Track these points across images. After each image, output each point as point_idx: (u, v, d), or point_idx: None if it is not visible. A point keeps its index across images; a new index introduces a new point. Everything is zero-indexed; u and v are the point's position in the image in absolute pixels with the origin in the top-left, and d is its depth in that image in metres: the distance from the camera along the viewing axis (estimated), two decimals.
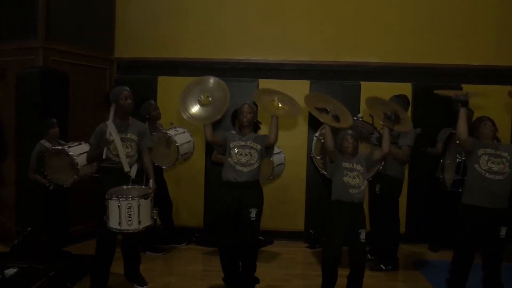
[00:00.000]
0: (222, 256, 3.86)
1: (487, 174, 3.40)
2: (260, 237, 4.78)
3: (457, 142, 3.69)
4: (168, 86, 5.54)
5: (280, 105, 3.68)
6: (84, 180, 4.37)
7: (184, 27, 5.73)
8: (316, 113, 3.63)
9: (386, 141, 3.58)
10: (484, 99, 5.11)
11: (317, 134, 4.67)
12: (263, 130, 4.24)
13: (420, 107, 5.30)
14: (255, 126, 3.88)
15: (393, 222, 4.51)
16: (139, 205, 3.36)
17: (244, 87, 5.55)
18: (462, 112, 3.44)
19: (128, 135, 3.73)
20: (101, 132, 3.67)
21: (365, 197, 3.73)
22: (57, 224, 4.56)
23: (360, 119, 4.49)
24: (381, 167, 4.26)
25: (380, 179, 4.43)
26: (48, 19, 5.07)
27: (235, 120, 4.07)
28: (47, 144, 4.46)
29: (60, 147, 4.31)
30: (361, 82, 5.40)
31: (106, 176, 3.69)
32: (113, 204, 3.37)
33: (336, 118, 3.61)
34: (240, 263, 3.81)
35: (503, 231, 3.42)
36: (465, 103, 3.46)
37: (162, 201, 4.81)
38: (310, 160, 5.28)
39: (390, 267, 4.50)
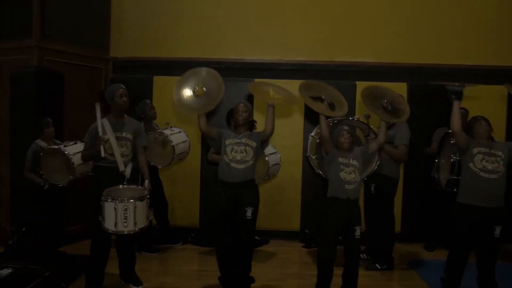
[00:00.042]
0: (219, 255, 3.86)
1: (481, 173, 3.41)
2: (256, 237, 4.79)
3: (452, 142, 3.70)
4: (163, 86, 5.53)
5: (275, 96, 3.69)
6: (80, 179, 4.36)
7: (180, 26, 5.72)
8: (310, 103, 3.62)
9: (382, 132, 3.60)
10: (480, 99, 5.17)
11: (312, 134, 4.68)
12: (259, 129, 4.23)
13: (416, 107, 5.28)
14: (251, 125, 3.88)
15: (388, 222, 4.52)
16: (135, 207, 3.37)
17: (240, 87, 5.55)
18: (456, 105, 3.45)
19: (123, 134, 3.72)
20: (96, 130, 3.65)
21: (361, 195, 3.74)
22: (52, 224, 4.54)
23: (355, 119, 4.49)
24: (376, 167, 4.27)
25: (375, 178, 4.44)
26: (43, 18, 5.06)
27: (230, 119, 4.07)
28: (42, 143, 4.45)
29: (56, 147, 4.30)
30: (357, 82, 5.41)
31: (101, 175, 3.68)
32: (109, 206, 3.36)
33: (332, 106, 3.60)
34: (236, 262, 3.81)
35: (497, 231, 3.43)
36: (459, 95, 3.45)
37: (157, 201, 4.80)
38: (306, 159, 5.29)
39: (385, 266, 4.51)
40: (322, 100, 3.62)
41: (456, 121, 3.44)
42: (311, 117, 5.43)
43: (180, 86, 3.65)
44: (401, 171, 4.85)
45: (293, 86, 3.79)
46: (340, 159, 3.58)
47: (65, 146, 4.28)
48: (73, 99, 5.22)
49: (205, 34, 5.69)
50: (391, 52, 5.65)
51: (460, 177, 3.72)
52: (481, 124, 3.54)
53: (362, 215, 3.71)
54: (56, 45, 5.18)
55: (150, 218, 3.58)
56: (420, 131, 5.08)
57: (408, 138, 4.38)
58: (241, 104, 3.78)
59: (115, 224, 3.35)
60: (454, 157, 4.28)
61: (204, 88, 3.61)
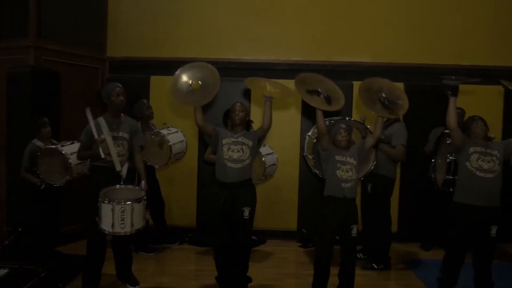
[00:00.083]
0: (216, 255, 3.86)
1: (477, 172, 3.42)
2: (253, 237, 4.79)
3: (448, 142, 3.70)
4: (160, 86, 5.52)
5: (272, 90, 3.69)
6: (77, 179, 4.35)
7: (177, 26, 5.72)
8: (306, 97, 3.61)
9: (379, 127, 3.58)
10: (476, 98, 5.20)
11: (309, 133, 4.68)
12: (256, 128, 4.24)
13: (412, 106, 5.30)
14: (247, 125, 3.88)
15: (385, 221, 4.53)
16: (132, 209, 3.38)
17: (236, 87, 5.57)
18: (452, 101, 3.45)
19: (120, 134, 3.70)
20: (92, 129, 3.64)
21: (357, 194, 3.74)
22: (49, 224, 4.53)
23: (351, 120, 4.50)
24: (373, 167, 4.27)
25: (372, 178, 4.45)
26: (39, 18, 5.04)
27: (227, 120, 4.07)
28: (39, 143, 4.44)
29: (53, 146, 4.29)
30: (354, 82, 5.41)
31: (98, 175, 3.67)
32: (106, 208, 3.37)
33: (328, 99, 3.58)
34: (233, 262, 3.81)
35: (493, 230, 3.44)
36: (455, 90, 3.44)
37: (154, 201, 4.80)
38: (303, 159, 5.30)
39: (382, 266, 4.52)
40: (318, 94, 3.59)
41: (452, 117, 3.44)
42: (308, 117, 5.43)
43: (183, 71, 3.65)
44: (398, 171, 4.86)
45: (289, 86, 3.79)
46: (337, 157, 3.58)
47: (62, 146, 4.28)
48: (69, 99, 5.21)
49: (202, 34, 5.69)
50: (388, 52, 5.67)
51: (456, 177, 3.73)
52: (477, 124, 3.54)
53: (359, 215, 3.72)
54: (53, 45, 5.17)
55: (146, 218, 3.58)
56: (417, 130, 5.09)
57: (405, 137, 4.39)
58: (238, 104, 3.78)
59: (112, 225, 3.36)
60: (450, 157, 4.29)
61: (200, 82, 3.60)
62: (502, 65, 5.55)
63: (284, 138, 5.48)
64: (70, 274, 4.09)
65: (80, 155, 3.82)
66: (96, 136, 3.58)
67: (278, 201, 5.59)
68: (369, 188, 4.57)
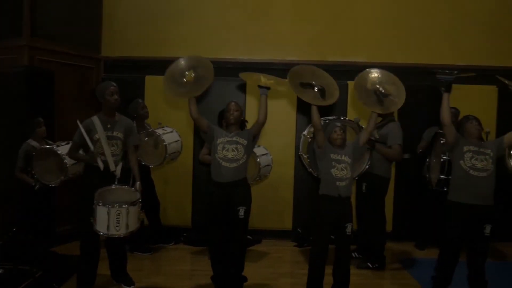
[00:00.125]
0: (211, 254, 3.86)
1: (471, 171, 3.43)
2: (248, 236, 4.79)
3: (442, 142, 3.71)
4: (155, 86, 5.51)
5: (267, 82, 3.69)
6: (72, 179, 4.33)
7: (172, 26, 5.71)
8: (300, 92, 3.60)
9: (372, 121, 3.58)
10: (470, 99, 5.22)
11: (305, 133, 4.69)
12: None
13: (407, 106, 5.33)
14: (242, 124, 3.88)
15: (380, 221, 4.55)
16: (128, 213, 3.40)
17: (232, 86, 5.57)
18: (445, 97, 3.46)
19: (114, 133, 3.69)
20: (88, 129, 3.62)
21: (352, 193, 3.75)
22: (43, 224, 4.52)
23: (345, 119, 4.52)
24: (367, 166, 4.29)
25: (367, 178, 4.47)
26: (33, 17, 5.02)
27: (222, 120, 4.08)
28: (34, 143, 4.42)
29: (49, 147, 4.28)
30: (349, 82, 5.42)
31: (92, 175, 3.66)
32: (101, 210, 3.38)
33: (322, 91, 3.56)
34: (228, 261, 3.81)
35: (487, 229, 3.45)
36: (448, 86, 3.44)
37: (149, 200, 4.79)
38: (298, 159, 5.31)
39: (377, 265, 4.54)
40: (312, 87, 3.57)
41: (445, 113, 3.45)
42: (303, 116, 5.45)
43: (182, 59, 3.66)
44: (393, 170, 4.88)
45: (285, 89, 3.80)
46: (332, 155, 3.59)
47: (57, 146, 4.26)
48: (64, 98, 5.19)
49: (197, 33, 5.68)
50: (383, 52, 5.68)
51: (450, 177, 3.74)
52: (472, 123, 3.56)
53: (354, 214, 3.73)
54: (47, 45, 5.15)
55: (141, 219, 3.59)
56: (412, 130, 5.12)
57: (401, 137, 4.41)
58: (232, 103, 3.78)
59: (107, 228, 3.38)
60: (444, 157, 4.31)
61: (192, 74, 3.60)
62: (497, 65, 5.57)
63: (279, 138, 5.50)
64: (65, 274, 4.08)
65: (72, 155, 3.79)
66: (92, 148, 3.57)
67: (273, 201, 5.60)
68: (363, 188, 4.59)
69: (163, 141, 4.61)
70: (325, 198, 3.60)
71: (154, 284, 4.09)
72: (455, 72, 3.45)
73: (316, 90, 3.57)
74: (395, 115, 4.74)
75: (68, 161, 4.10)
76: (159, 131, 4.69)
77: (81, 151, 3.79)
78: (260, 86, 3.68)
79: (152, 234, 5.10)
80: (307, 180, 5.43)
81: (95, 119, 3.65)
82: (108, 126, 3.67)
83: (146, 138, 4.70)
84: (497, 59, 5.65)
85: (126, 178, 3.75)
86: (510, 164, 4.36)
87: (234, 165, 3.63)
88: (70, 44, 5.38)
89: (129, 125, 3.84)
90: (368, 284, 4.23)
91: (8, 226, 4.43)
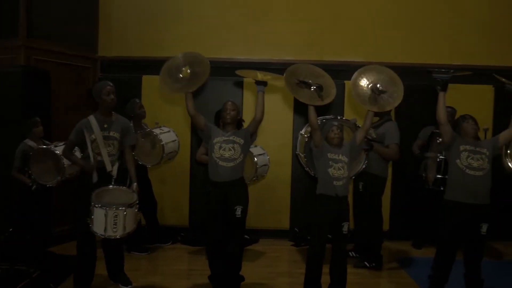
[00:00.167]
0: (209, 254, 3.86)
1: (467, 170, 3.44)
2: (246, 236, 4.79)
3: (438, 141, 3.72)
4: (152, 85, 5.50)
5: (264, 77, 3.70)
6: (69, 179, 4.32)
7: (169, 26, 5.70)
8: (296, 92, 3.58)
9: (369, 119, 3.58)
10: (467, 99, 5.24)
11: (302, 132, 4.69)
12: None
13: (404, 105, 5.35)
14: (239, 124, 3.88)
15: (377, 220, 4.56)
16: (125, 215, 3.41)
17: (229, 86, 5.57)
18: (441, 96, 3.46)
19: (111, 133, 3.68)
20: (83, 129, 3.61)
21: (349, 192, 3.76)
22: (40, 224, 4.50)
23: (342, 118, 4.53)
24: (364, 166, 4.29)
25: (364, 177, 4.48)
26: (29, 17, 5.00)
27: (219, 120, 4.08)
28: (31, 143, 4.40)
29: (47, 147, 4.27)
30: (346, 81, 5.43)
31: (88, 175, 3.64)
32: (99, 212, 3.38)
33: (320, 89, 3.54)
34: (225, 261, 3.81)
35: (484, 228, 3.47)
36: (444, 85, 3.45)
37: (146, 200, 4.79)
38: (295, 158, 5.31)
39: (374, 264, 4.54)
40: (309, 86, 3.56)
41: (441, 111, 3.46)
42: (300, 115, 5.45)
43: (181, 56, 3.67)
44: (390, 169, 4.89)
45: (281, 85, 3.79)
46: (330, 155, 3.59)
47: (55, 146, 4.25)
48: (60, 98, 5.18)
49: (195, 33, 5.68)
50: (380, 51, 5.69)
51: (446, 176, 3.75)
52: (468, 123, 3.57)
53: (350, 213, 3.73)
54: (43, 44, 5.13)
55: (138, 219, 3.59)
56: (409, 130, 5.13)
57: (398, 136, 4.42)
58: (229, 103, 3.78)
59: (105, 229, 3.39)
60: (441, 156, 4.32)
61: (188, 71, 3.60)
62: (494, 65, 5.58)
63: (276, 138, 5.51)
64: (62, 274, 4.07)
65: (67, 154, 3.76)
66: (91, 156, 3.57)
67: (270, 200, 5.60)
68: (360, 187, 4.59)
69: (160, 140, 4.61)
70: (322, 198, 3.61)
71: (151, 284, 4.09)
72: (451, 71, 3.45)
73: (313, 89, 3.56)
74: (392, 114, 4.75)
75: (65, 161, 4.09)
76: (156, 131, 4.69)
77: (78, 152, 3.78)
78: (257, 83, 3.67)
79: (150, 234, 5.10)
80: (304, 180, 5.44)
81: (92, 118, 3.64)
82: (105, 126, 3.67)
83: (143, 138, 4.70)
84: (494, 59, 5.66)
85: (123, 178, 3.74)
86: (507, 163, 4.37)
87: (231, 164, 3.63)
88: (66, 44, 5.37)
89: (125, 125, 3.83)
90: (365, 283, 4.24)
91: (4, 226, 4.42)
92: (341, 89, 5.42)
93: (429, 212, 5.04)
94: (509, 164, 4.32)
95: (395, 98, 3.58)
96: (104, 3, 5.76)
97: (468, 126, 3.56)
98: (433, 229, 4.46)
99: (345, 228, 3.58)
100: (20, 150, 4.37)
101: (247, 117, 4.40)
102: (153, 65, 5.56)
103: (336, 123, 3.68)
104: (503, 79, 3.65)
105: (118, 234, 3.43)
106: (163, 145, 4.61)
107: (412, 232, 5.44)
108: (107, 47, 5.75)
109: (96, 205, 3.39)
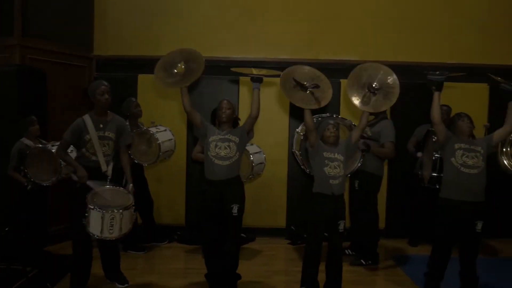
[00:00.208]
0: (205, 252, 3.87)
1: (462, 168, 3.47)
2: (242, 234, 4.80)
3: (434, 139, 3.74)
4: (148, 84, 5.50)
5: (258, 72, 3.71)
6: (65, 179, 4.31)
7: (165, 24, 5.69)
8: (292, 97, 3.57)
9: (364, 118, 3.58)
10: (462, 97, 5.26)
11: (298, 130, 4.69)
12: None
13: (399, 104, 5.37)
14: (234, 122, 3.88)
15: (373, 218, 4.57)
16: (121, 217, 3.42)
17: (225, 85, 5.57)
18: (436, 96, 3.48)
19: (106, 133, 3.67)
20: (79, 129, 3.59)
21: (346, 190, 3.77)
22: (36, 224, 4.50)
23: (338, 117, 4.54)
24: (360, 164, 4.31)
25: (359, 175, 4.49)
26: (24, 16, 4.98)
27: (215, 119, 4.08)
28: (27, 141, 4.39)
29: (44, 146, 4.26)
30: (341, 80, 5.44)
31: (80, 182, 3.61)
32: (95, 215, 3.39)
33: (316, 87, 3.53)
34: (222, 259, 3.82)
35: (479, 226, 3.50)
36: (439, 85, 3.48)
37: (143, 199, 4.79)
38: (292, 156, 5.32)
39: (370, 262, 4.56)
40: (305, 89, 3.54)
41: (436, 111, 3.48)
42: (296, 113, 5.44)
43: (177, 51, 3.68)
44: (386, 168, 4.91)
45: (277, 84, 3.80)
46: (325, 154, 3.60)
47: (52, 145, 4.24)
48: (56, 98, 5.16)
49: (190, 32, 5.67)
50: (376, 50, 5.70)
51: (442, 174, 3.77)
52: (463, 121, 3.59)
53: (346, 211, 3.75)
54: (38, 44, 5.11)
55: (134, 218, 3.60)
56: (404, 128, 5.15)
57: (393, 134, 4.44)
58: (225, 101, 3.78)
59: (101, 231, 3.39)
60: (436, 155, 4.34)
61: (183, 66, 3.60)
62: (488, 63, 5.61)
63: (272, 136, 5.51)
64: (58, 273, 4.07)
65: (61, 154, 3.73)
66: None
67: (267, 199, 5.60)
68: (356, 185, 4.61)
69: (157, 139, 4.61)
70: (318, 196, 3.62)
71: (148, 282, 4.09)
72: (446, 72, 3.48)
73: (308, 91, 3.55)
74: (388, 112, 4.77)
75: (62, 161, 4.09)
76: (153, 130, 4.69)
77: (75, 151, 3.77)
78: (252, 80, 3.67)
79: (146, 233, 5.09)
80: (301, 178, 5.45)
81: (87, 118, 3.63)
82: (100, 126, 3.65)
83: (139, 137, 4.69)
84: (489, 58, 5.69)
85: (118, 178, 3.74)
86: (503, 161, 4.40)
87: (227, 163, 3.63)
88: (62, 43, 5.35)
89: (121, 124, 3.82)
90: (361, 280, 4.25)
91: (1, 225, 4.41)
92: (337, 88, 5.43)
93: (425, 210, 5.06)
94: (505, 161, 4.36)
95: (390, 97, 3.57)
96: (100, 1, 5.74)
97: (463, 124, 3.58)
98: (429, 227, 4.49)
99: (341, 227, 3.59)
100: (17, 148, 4.36)
101: (243, 115, 4.41)
102: (149, 64, 5.52)
103: (332, 122, 3.69)
104: (498, 78, 3.67)
105: (114, 235, 3.44)
106: (159, 144, 4.60)
107: (408, 230, 5.46)
108: (102, 46, 5.73)
109: (92, 208, 3.38)
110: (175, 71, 3.61)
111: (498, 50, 5.74)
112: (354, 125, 4.28)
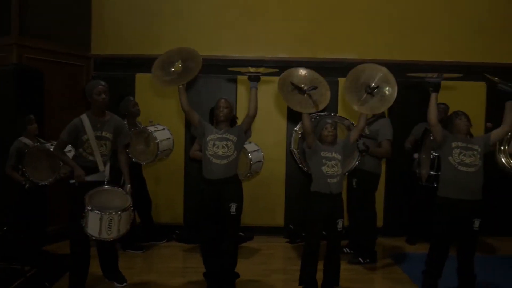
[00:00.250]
0: (203, 251, 3.87)
1: (459, 167, 3.47)
2: (240, 233, 4.80)
3: (432, 138, 3.74)
4: (146, 84, 5.49)
5: (256, 70, 3.71)
6: (63, 178, 4.30)
7: (162, 23, 5.69)
8: (290, 101, 3.58)
9: (362, 119, 3.58)
10: (459, 95, 5.26)
11: (296, 128, 4.70)
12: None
13: (397, 102, 5.38)
14: (232, 121, 3.88)
15: (371, 216, 4.58)
16: (120, 219, 3.43)
17: (223, 84, 5.57)
18: (433, 97, 3.49)
19: (104, 134, 3.65)
20: (76, 129, 3.57)
21: (343, 189, 3.77)
22: (35, 223, 4.49)
23: (336, 115, 4.54)
24: (358, 162, 4.31)
25: (357, 173, 4.50)
26: (22, 15, 4.98)
27: (213, 118, 4.08)
28: (26, 140, 4.39)
29: (42, 145, 4.26)
30: (339, 79, 5.45)
31: (78, 181, 3.60)
32: (93, 216, 3.39)
33: (314, 89, 3.53)
34: (220, 258, 3.82)
35: (476, 224, 3.50)
36: (436, 87, 3.49)
37: (141, 198, 4.79)
38: (290, 155, 5.32)
39: (368, 260, 4.57)
40: (303, 92, 3.54)
41: (432, 113, 3.49)
42: (294, 112, 5.44)
43: (176, 50, 3.69)
44: (383, 166, 4.91)
45: (275, 83, 3.80)
46: (323, 153, 3.60)
47: (51, 144, 4.24)
48: (53, 97, 5.16)
49: (188, 31, 5.67)
50: (373, 48, 5.70)
51: (439, 173, 3.78)
52: (461, 119, 3.60)
53: (344, 209, 3.75)
54: (36, 43, 5.11)
55: (132, 218, 3.60)
56: (402, 127, 5.15)
57: (391, 133, 4.44)
58: (222, 100, 3.77)
59: (99, 232, 3.40)
60: (434, 153, 4.35)
61: (180, 65, 3.60)
62: (485, 62, 5.62)
63: (270, 134, 5.51)
64: (57, 273, 4.07)
65: (58, 153, 3.71)
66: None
67: (265, 197, 5.61)
68: (354, 184, 4.62)
69: (155, 138, 4.61)
70: (316, 195, 3.62)
71: (146, 281, 4.09)
72: (443, 75, 3.49)
73: (306, 94, 3.54)
74: (385, 111, 4.76)
75: None
76: (151, 129, 4.69)
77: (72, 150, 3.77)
78: (249, 79, 3.66)
79: (144, 232, 5.10)
80: (299, 177, 5.45)
81: (85, 118, 3.61)
82: (98, 126, 3.63)
83: (137, 136, 4.69)
84: (487, 56, 5.69)
85: (116, 178, 3.73)
86: (501, 159, 4.42)
87: (225, 161, 3.63)
88: (59, 42, 5.34)
89: (119, 124, 3.80)
90: (360, 279, 4.26)
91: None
92: (334, 86, 5.43)
93: (423, 209, 5.07)
94: (503, 159, 4.37)
95: (388, 97, 3.57)
96: (97, 1, 5.73)
97: (461, 123, 3.59)
98: (426, 225, 4.49)
99: (339, 225, 3.60)
100: (15, 147, 4.35)
101: (241, 114, 4.41)
102: (147, 63, 5.50)
103: (330, 121, 3.70)
104: (495, 79, 3.68)
105: (113, 236, 3.45)
106: (157, 143, 4.60)
107: (406, 228, 5.47)
108: (100, 45, 5.72)
109: (91, 209, 3.38)
110: (173, 69, 3.61)
111: (495, 48, 5.74)
112: (353, 125, 4.28)
